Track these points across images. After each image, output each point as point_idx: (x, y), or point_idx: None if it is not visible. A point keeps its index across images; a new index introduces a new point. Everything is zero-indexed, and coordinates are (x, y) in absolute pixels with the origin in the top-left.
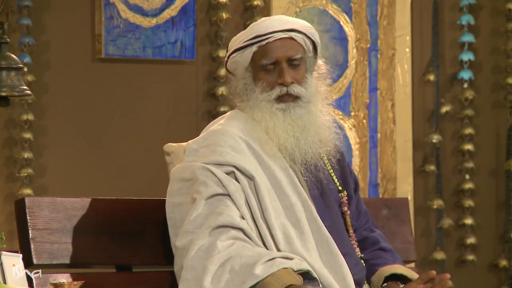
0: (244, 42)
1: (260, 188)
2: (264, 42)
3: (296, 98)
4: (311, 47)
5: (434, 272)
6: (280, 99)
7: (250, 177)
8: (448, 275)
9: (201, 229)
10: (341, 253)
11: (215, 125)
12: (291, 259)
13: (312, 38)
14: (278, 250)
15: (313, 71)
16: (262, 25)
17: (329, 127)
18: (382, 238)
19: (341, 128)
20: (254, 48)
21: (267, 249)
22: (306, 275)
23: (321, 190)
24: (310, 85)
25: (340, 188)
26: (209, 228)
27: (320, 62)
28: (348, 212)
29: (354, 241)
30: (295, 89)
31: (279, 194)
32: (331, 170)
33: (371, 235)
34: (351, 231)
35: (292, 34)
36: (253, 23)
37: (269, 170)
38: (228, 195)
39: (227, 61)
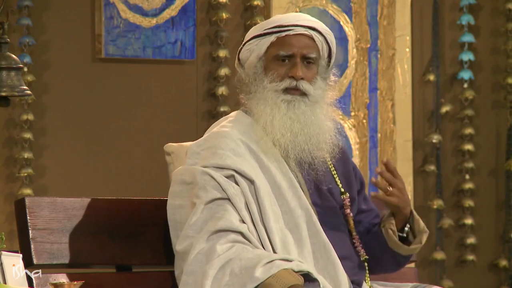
0: (264, 30)
1: (260, 192)
2: (283, 34)
3: (303, 94)
4: (326, 54)
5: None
6: (287, 91)
7: (250, 181)
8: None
9: (201, 234)
10: (341, 257)
11: (217, 126)
12: (291, 261)
13: (330, 44)
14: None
15: (325, 79)
16: (285, 16)
17: (330, 133)
18: None
19: (342, 134)
20: (272, 38)
21: None
22: (306, 277)
23: (322, 193)
24: (319, 87)
25: (342, 190)
26: (208, 233)
27: (332, 73)
28: (351, 214)
29: (358, 243)
30: (305, 85)
31: (278, 199)
32: (334, 172)
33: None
34: (354, 233)
35: (313, 33)
36: (276, 15)
37: (269, 174)
38: (228, 199)
39: (241, 49)
